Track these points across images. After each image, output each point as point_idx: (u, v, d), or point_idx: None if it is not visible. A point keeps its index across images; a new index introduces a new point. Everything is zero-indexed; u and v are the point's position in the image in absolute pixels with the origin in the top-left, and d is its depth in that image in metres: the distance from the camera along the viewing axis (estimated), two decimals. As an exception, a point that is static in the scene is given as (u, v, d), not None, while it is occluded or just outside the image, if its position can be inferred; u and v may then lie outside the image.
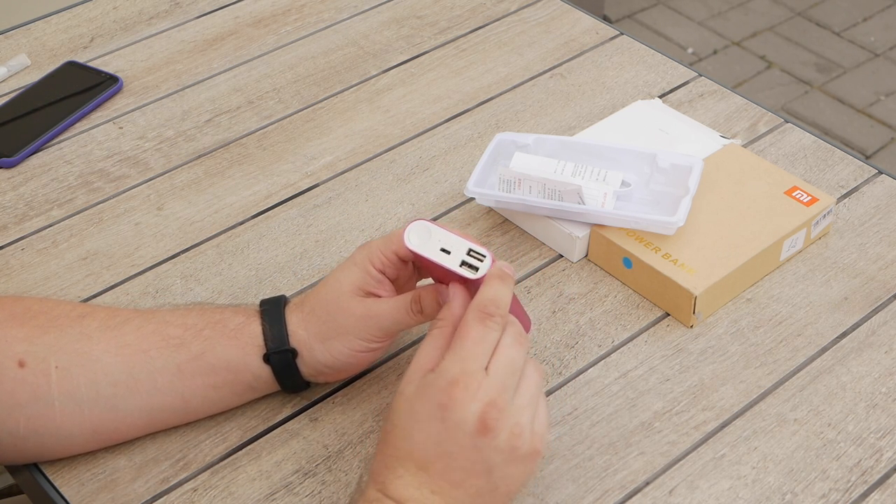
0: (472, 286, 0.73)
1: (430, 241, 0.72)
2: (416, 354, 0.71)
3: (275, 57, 1.18)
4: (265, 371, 0.78)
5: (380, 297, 0.77)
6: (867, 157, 2.40)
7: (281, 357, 0.78)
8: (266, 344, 0.77)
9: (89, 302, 0.91)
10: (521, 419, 0.69)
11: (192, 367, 0.77)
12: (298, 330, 0.78)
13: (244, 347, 0.77)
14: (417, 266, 0.79)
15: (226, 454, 0.80)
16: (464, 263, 0.71)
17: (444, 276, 0.75)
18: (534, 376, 0.71)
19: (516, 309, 0.77)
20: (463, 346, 0.68)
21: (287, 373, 0.79)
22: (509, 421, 0.68)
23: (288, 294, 0.91)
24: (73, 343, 0.76)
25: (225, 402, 0.80)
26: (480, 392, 0.67)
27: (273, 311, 0.78)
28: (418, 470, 0.68)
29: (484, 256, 0.71)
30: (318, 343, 0.78)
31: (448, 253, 0.71)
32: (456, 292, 0.72)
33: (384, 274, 0.77)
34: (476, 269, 0.71)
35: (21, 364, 0.75)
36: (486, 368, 0.68)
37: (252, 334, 0.78)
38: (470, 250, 0.71)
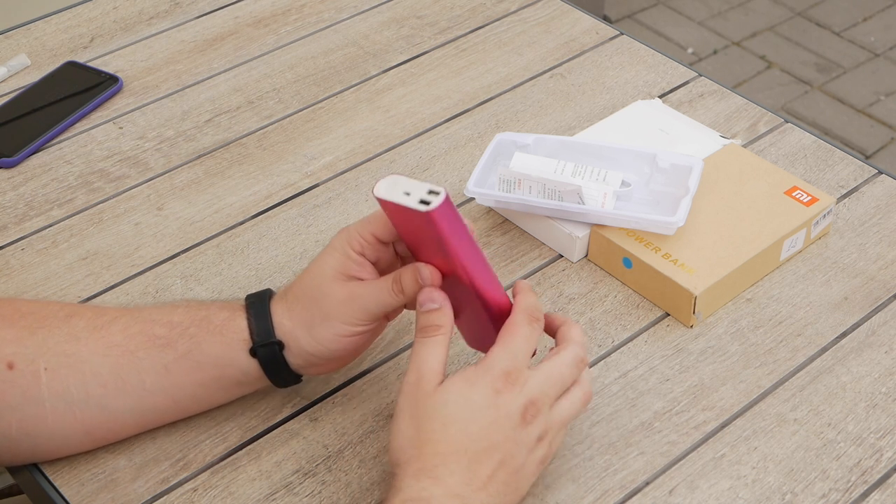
0: (432, 233, 0.72)
1: (394, 188, 0.72)
2: (416, 359, 0.72)
3: (275, 57, 1.18)
4: (253, 365, 0.77)
5: (363, 280, 0.77)
6: (867, 157, 2.40)
7: (267, 350, 0.77)
8: (252, 337, 0.77)
9: (89, 302, 0.91)
10: (551, 426, 0.73)
11: (180, 367, 0.77)
12: (284, 320, 0.77)
13: (230, 343, 0.77)
14: (397, 227, 0.77)
15: (226, 454, 0.80)
16: (421, 202, 0.71)
17: (413, 235, 0.74)
18: (577, 404, 0.75)
19: (481, 260, 0.76)
20: (514, 343, 0.72)
21: (275, 366, 0.78)
22: (542, 423, 0.72)
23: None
24: (61, 344, 0.76)
25: (215, 399, 0.80)
26: (526, 387, 0.72)
27: (258, 304, 0.78)
28: (469, 464, 0.69)
29: (439, 191, 0.71)
30: (303, 331, 0.76)
31: (408, 195, 0.71)
32: (444, 298, 0.74)
33: (364, 256, 0.77)
34: (428, 203, 0.70)
35: (10, 366, 0.75)
36: (533, 370, 0.73)
37: (237, 329, 0.77)
38: (430, 191, 0.71)
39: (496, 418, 0.70)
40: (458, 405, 0.70)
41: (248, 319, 0.77)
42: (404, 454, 0.71)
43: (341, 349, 0.78)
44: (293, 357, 0.78)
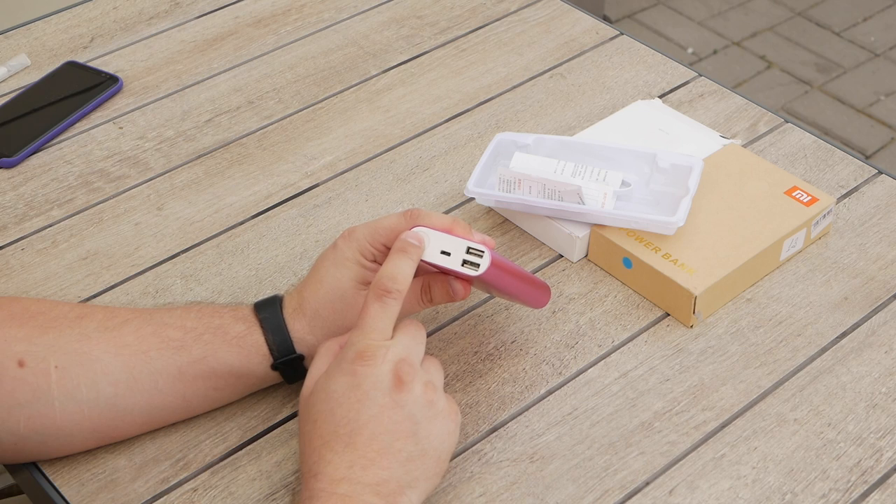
0: (475, 281, 0.76)
1: (429, 246, 0.74)
2: (309, 371, 0.74)
3: (275, 57, 1.18)
4: (271, 374, 0.79)
5: None
6: (867, 157, 2.40)
7: (289, 362, 0.79)
8: (272, 354, 0.78)
9: (89, 302, 0.91)
10: (432, 378, 0.73)
11: (194, 371, 0.77)
12: (306, 336, 0.78)
13: (248, 356, 0.78)
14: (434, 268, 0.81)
15: (226, 454, 0.80)
16: (465, 262, 0.74)
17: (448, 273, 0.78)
18: (434, 360, 0.75)
19: (521, 277, 0.81)
20: (365, 323, 0.72)
21: (295, 373, 0.80)
22: (421, 377, 0.71)
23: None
24: (72, 343, 0.76)
25: (225, 400, 0.81)
26: (389, 354, 0.71)
27: (272, 319, 0.78)
28: (345, 448, 0.69)
29: (482, 252, 0.73)
30: None
31: (448, 255, 0.74)
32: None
33: (376, 262, 0.78)
34: (477, 265, 0.74)
35: (21, 364, 0.75)
36: (391, 339, 0.72)
37: (255, 344, 0.78)
38: (469, 248, 0.74)
39: (362, 395, 0.69)
40: (321, 400, 0.71)
41: (266, 336, 0.78)
42: (300, 460, 0.72)
43: None
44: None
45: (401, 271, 0.73)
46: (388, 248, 0.77)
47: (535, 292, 0.83)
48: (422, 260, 0.75)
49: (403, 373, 0.70)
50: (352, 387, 0.70)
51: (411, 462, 0.70)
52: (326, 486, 0.68)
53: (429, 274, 0.79)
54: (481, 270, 0.73)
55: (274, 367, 0.78)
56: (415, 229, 0.75)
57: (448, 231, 0.75)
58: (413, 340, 0.73)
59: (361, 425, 0.69)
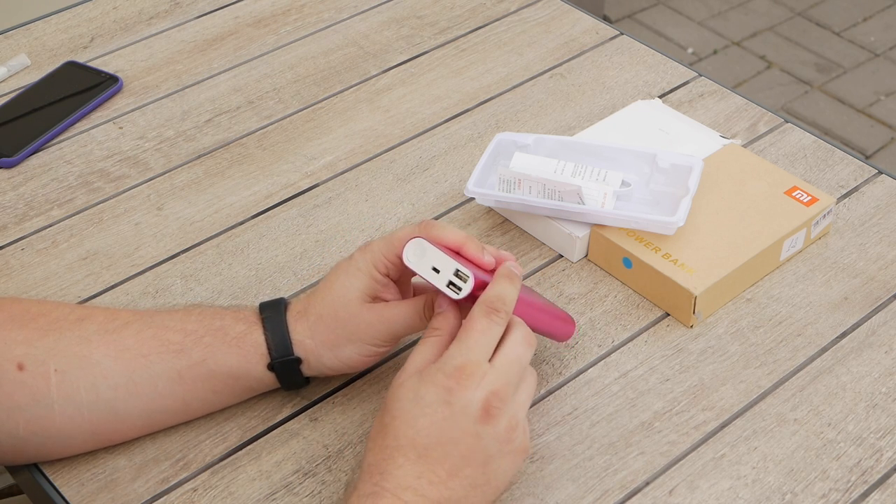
0: (457, 304, 0.76)
1: (423, 258, 0.75)
2: (410, 357, 0.73)
3: (275, 57, 1.18)
4: (268, 376, 0.79)
5: (386, 300, 0.78)
6: (867, 157, 2.40)
7: (285, 364, 0.78)
8: (270, 353, 0.78)
9: (89, 302, 0.91)
10: (518, 413, 0.72)
11: (193, 374, 0.77)
12: (305, 339, 0.78)
13: (246, 356, 0.78)
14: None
15: (226, 454, 0.80)
16: (450, 284, 0.74)
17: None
18: (531, 380, 0.74)
19: (549, 311, 0.81)
20: (469, 337, 0.71)
21: (290, 377, 0.80)
22: (509, 412, 0.71)
23: (287, 294, 0.91)
24: (72, 346, 0.76)
25: (224, 404, 0.81)
26: (485, 381, 0.70)
27: (275, 318, 0.79)
28: (418, 458, 0.69)
29: (467, 277, 0.74)
30: (326, 350, 0.78)
31: (438, 272, 0.74)
32: (450, 304, 0.76)
33: (389, 277, 0.78)
34: (459, 289, 0.74)
35: (20, 367, 0.75)
36: (491, 361, 0.71)
37: (254, 343, 0.78)
38: (457, 271, 0.74)
39: (449, 415, 0.70)
40: (407, 401, 0.71)
41: (266, 335, 0.78)
42: (367, 447, 0.72)
43: (360, 365, 0.80)
44: (308, 370, 0.80)
45: (508, 294, 0.73)
46: (401, 261, 0.76)
47: (554, 322, 0.82)
48: (412, 269, 0.75)
49: (493, 407, 0.70)
50: (441, 402, 0.70)
51: (474, 489, 0.71)
52: (392, 488, 0.68)
53: (429, 292, 0.79)
54: (461, 296, 0.73)
55: (271, 367, 0.78)
56: (415, 240, 0.75)
57: (458, 248, 0.76)
58: (511, 367, 0.72)
59: (440, 443, 0.69)
